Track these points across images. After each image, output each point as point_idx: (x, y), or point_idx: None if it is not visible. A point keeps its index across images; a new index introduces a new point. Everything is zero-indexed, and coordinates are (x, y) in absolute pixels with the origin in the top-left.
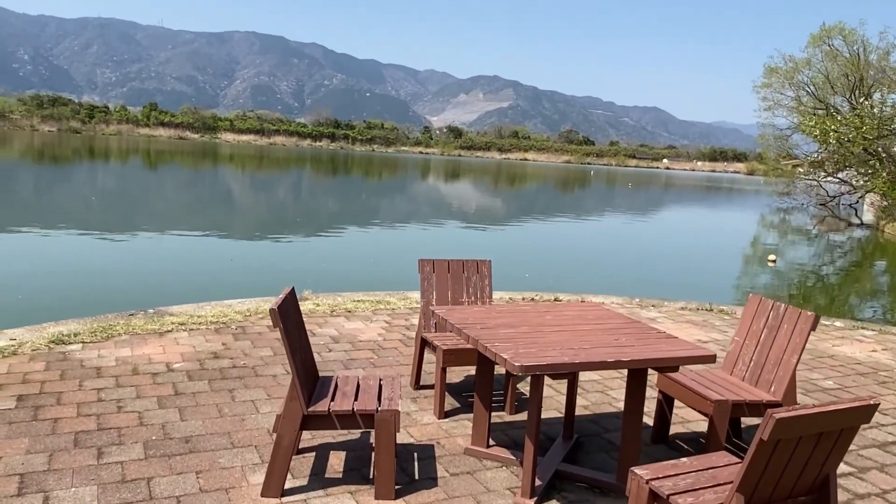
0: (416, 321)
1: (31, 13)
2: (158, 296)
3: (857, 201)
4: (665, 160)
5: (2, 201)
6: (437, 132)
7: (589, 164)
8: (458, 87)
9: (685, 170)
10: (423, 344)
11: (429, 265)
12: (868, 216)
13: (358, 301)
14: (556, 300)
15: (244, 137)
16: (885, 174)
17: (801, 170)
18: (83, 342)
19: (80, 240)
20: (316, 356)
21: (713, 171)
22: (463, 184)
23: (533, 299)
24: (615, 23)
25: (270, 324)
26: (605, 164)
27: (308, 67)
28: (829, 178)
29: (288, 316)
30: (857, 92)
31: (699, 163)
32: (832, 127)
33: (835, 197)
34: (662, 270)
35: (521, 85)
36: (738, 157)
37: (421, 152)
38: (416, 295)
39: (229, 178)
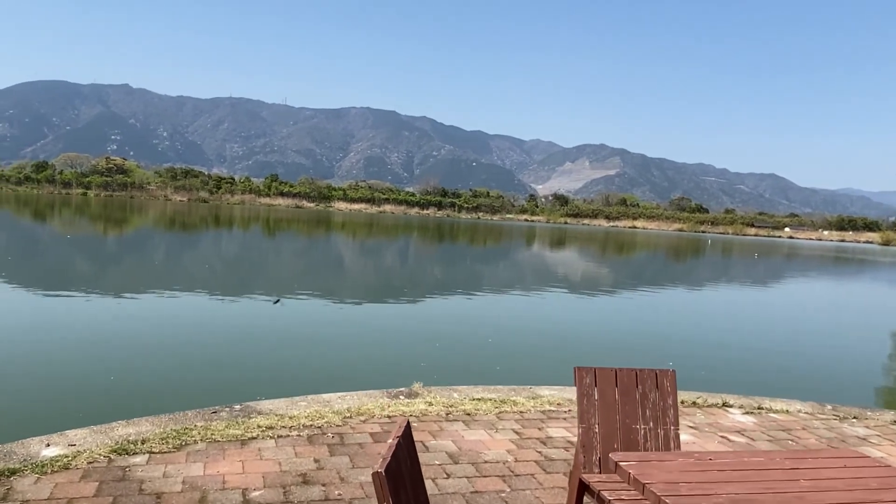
0: (552, 430)
1: (171, 94)
2: (251, 382)
3: None
4: (787, 229)
5: (118, 267)
6: (543, 200)
7: (703, 232)
8: (564, 156)
9: (811, 239)
10: (582, 489)
11: (589, 375)
12: None
13: (478, 400)
14: (723, 405)
15: (356, 206)
16: None
17: None
18: (150, 452)
19: (182, 308)
20: (429, 485)
21: (842, 240)
22: (573, 251)
23: (695, 402)
24: (727, 88)
25: (373, 430)
26: (720, 233)
27: (417, 139)
28: None
29: (400, 478)
30: None
31: (825, 232)
32: None
33: None
34: (834, 360)
35: (629, 152)
36: (869, 225)
37: (526, 220)
38: (548, 392)
39: (340, 244)
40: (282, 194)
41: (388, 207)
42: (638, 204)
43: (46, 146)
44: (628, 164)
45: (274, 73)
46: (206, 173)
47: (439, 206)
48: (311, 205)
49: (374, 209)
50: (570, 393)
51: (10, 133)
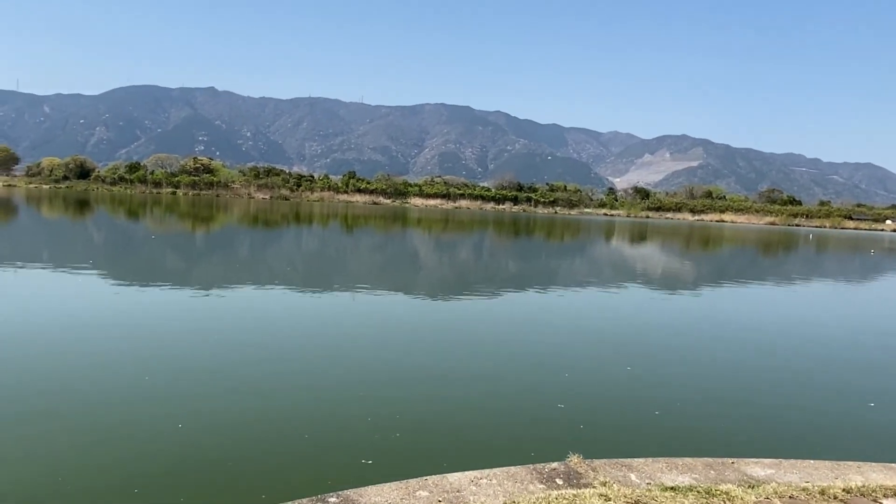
0: None
1: (254, 96)
2: (336, 444)
3: None
4: (889, 221)
5: (191, 264)
6: (622, 193)
7: (797, 225)
8: (643, 148)
9: None
10: None
11: None
12: None
13: (673, 490)
14: None
15: (431, 202)
16: None
17: None
18: None
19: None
20: None
21: None
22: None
23: None
24: (817, 75)
25: None
26: (816, 226)
27: (492, 134)
28: None
29: None
30: None
31: None
32: None
33: None
34: None
35: (712, 143)
36: None
37: (605, 214)
38: (763, 473)
39: (419, 243)
40: (359, 191)
41: (463, 203)
42: (724, 196)
43: (139, 148)
44: (711, 155)
45: (350, 72)
46: (287, 171)
47: (515, 200)
48: (388, 201)
49: (449, 204)
50: (798, 473)
51: (106, 136)
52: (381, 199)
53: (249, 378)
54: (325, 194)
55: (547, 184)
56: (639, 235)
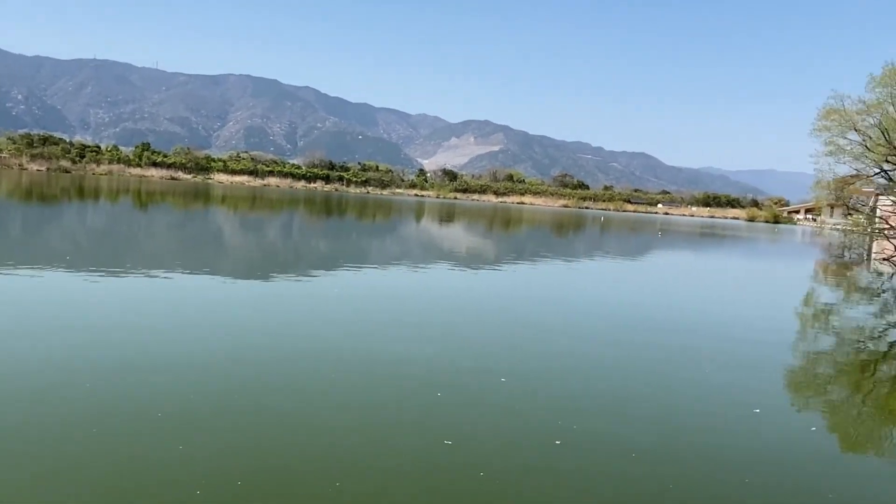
0: None
1: (27, 54)
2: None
3: None
4: (660, 205)
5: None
6: (431, 175)
7: (587, 208)
8: (450, 131)
9: (683, 215)
10: None
11: None
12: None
13: None
14: None
15: (237, 178)
16: None
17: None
18: None
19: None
20: None
21: (712, 216)
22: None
23: None
24: (600, 70)
25: None
26: (602, 209)
27: (301, 110)
28: None
29: None
30: None
31: (694, 208)
32: None
33: None
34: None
35: (512, 129)
36: (731, 202)
37: (416, 195)
38: None
39: (223, 221)
40: (154, 165)
41: (272, 180)
42: (524, 180)
43: None
44: (511, 141)
45: (142, 34)
46: (68, 141)
47: (327, 179)
48: (188, 176)
49: (257, 182)
50: None
51: None
52: (181, 175)
53: None
54: (115, 167)
55: (359, 163)
56: (448, 216)
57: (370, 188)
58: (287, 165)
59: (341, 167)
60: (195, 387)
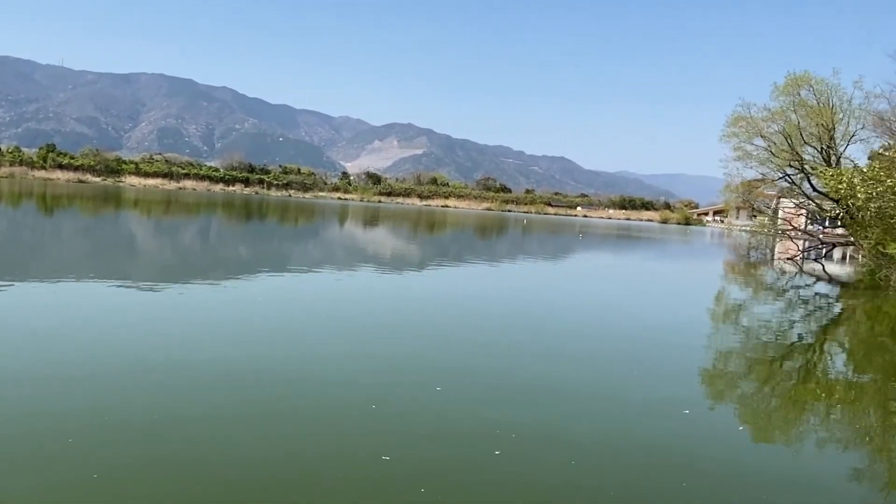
0: None
1: None
2: None
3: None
4: (579, 208)
5: None
6: (355, 178)
7: (509, 210)
8: (373, 134)
9: (601, 218)
10: None
11: None
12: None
13: None
14: None
15: (150, 181)
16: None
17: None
18: None
19: None
20: None
21: (628, 218)
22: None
23: None
24: (522, 74)
25: None
26: (525, 212)
27: (218, 111)
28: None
29: None
30: (832, 142)
31: (611, 210)
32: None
33: (808, 249)
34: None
35: (435, 133)
36: (646, 205)
37: (340, 198)
38: None
39: (135, 225)
40: (61, 167)
41: (188, 183)
42: (448, 183)
43: None
44: (434, 144)
45: (46, 30)
46: None
47: (246, 182)
48: (98, 179)
49: (172, 185)
50: None
51: None
52: (90, 177)
53: None
54: (17, 169)
55: (280, 166)
56: (373, 219)
57: (292, 191)
58: (204, 168)
59: (261, 170)
60: (90, 401)
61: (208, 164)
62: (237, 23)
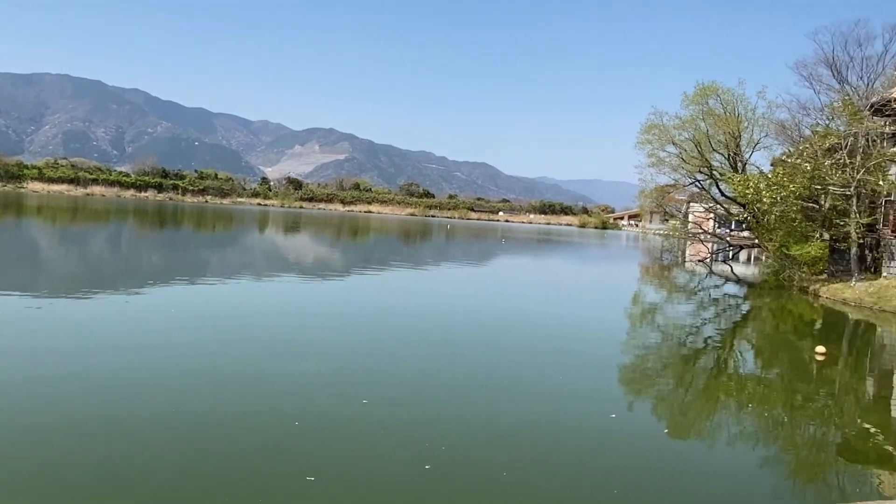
0: None
1: None
2: None
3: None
4: (501, 213)
5: None
6: (275, 183)
7: (433, 216)
8: (294, 139)
9: (522, 222)
10: None
11: None
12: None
13: None
14: None
15: (55, 187)
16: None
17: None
18: None
19: None
20: None
21: (548, 223)
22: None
23: None
24: (444, 81)
25: None
26: (448, 217)
27: (129, 114)
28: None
29: None
30: (738, 149)
31: (531, 215)
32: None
33: (717, 251)
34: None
35: (357, 138)
36: (565, 210)
37: (259, 204)
38: None
39: (38, 234)
40: None
41: (96, 189)
42: (371, 189)
43: None
44: (357, 150)
45: None
46: None
47: (160, 188)
48: None
49: (79, 191)
50: None
51: None
52: None
53: None
54: None
55: (196, 171)
56: (294, 225)
57: (209, 197)
58: (114, 173)
59: (176, 175)
60: None
61: (119, 169)
62: (149, 22)
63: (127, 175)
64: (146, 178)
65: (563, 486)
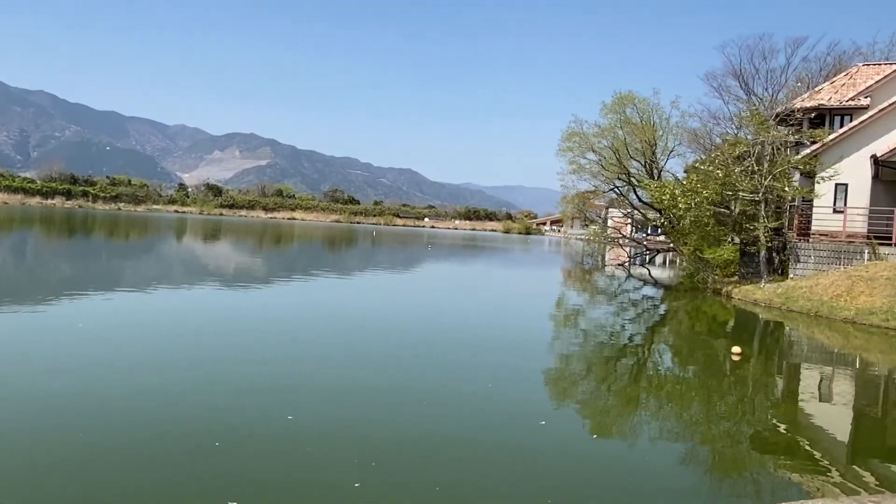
0: None
1: None
2: None
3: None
4: (427, 219)
5: None
6: (193, 189)
7: (358, 222)
8: (213, 144)
9: (448, 228)
10: None
11: None
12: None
13: None
14: None
15: None
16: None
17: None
18: None
19: None
20: None
21: (473, 229)
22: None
23: None
24: (367, 87)
25: None
26: (374, 224)
27: (34, 117)
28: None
29: None
30: (654, 157)
31: (457, 221)
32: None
33: (636, 255)
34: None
35: (280, 143)
36: (489, 216)
37: (176, 211)
38: None
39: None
40: None
41: None
42: (294, 195)
43: None
44: (279, 155)
45: None
46: None
47: (68, 195)
48: None
49: None
50: None
51: None
52: None
53: None
54: None
55: (108, 177)
56: (213, 233)
57: (122, 204)
58: (17, 179)
59: (86, 181)
60: None
61: (23, 174)
62: (55, 20)
63: (32, 181)
64: (53, 184)
65: (497, 495)
